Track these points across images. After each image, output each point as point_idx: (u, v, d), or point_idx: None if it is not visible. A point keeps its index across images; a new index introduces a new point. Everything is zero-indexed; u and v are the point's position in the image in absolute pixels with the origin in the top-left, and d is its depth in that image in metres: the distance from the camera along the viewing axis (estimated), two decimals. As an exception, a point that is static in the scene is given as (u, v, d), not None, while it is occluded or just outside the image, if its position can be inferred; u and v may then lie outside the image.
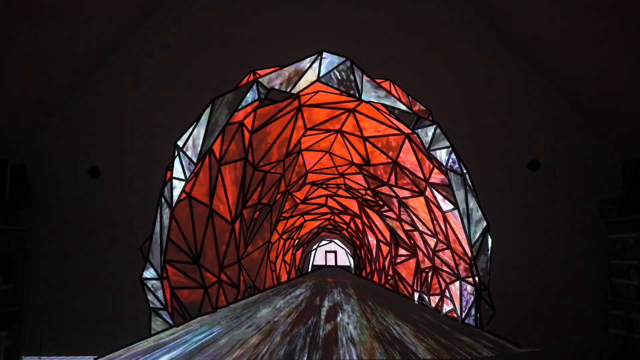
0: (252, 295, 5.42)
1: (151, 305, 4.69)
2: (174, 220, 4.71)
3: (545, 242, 5.36)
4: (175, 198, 4.69)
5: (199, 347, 3.20)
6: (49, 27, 4.72)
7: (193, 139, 4.76)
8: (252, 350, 3.10)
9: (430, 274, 5.46)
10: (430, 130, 4.84)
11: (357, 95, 4.80)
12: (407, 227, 5.62)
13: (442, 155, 4.85)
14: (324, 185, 6.00)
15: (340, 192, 6.05)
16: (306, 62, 4.77)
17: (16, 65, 4.78)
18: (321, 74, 4.75)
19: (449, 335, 3.92)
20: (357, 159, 5.52)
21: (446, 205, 4.95)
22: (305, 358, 2.98)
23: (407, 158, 5.23)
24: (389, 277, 5.90)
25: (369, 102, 4.96)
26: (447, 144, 4.82)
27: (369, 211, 6.03)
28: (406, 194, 5.36)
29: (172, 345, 3.33)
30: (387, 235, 5.93)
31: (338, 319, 4.15)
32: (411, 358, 3.03)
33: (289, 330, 3.70)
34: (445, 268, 5.22)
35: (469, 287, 4.93)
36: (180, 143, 4.77)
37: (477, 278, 4.80)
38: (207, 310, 4.81)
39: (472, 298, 4.87)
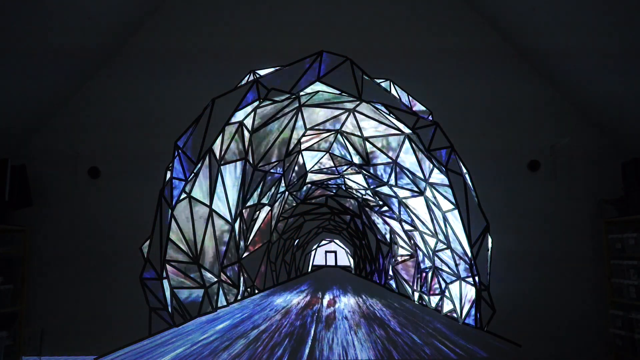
0: (254, 295, 5.46)
1: (151, 305, 4.69)
2: (174, 220, 4.71)
3: (545, 242, 5.36)
4: (175, 198, 4.70)
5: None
6: (49, 27, 4.72)
7: (193, 139, 4.76)
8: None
9: (430, 274, 5.46)
10: (430, 130, 4.85)
11: (357, 95, 4.80)
12: (407, 227, 5.62)
13: (442, 155, 4.86)
14: (324, 185, 6.01)
15: (340, 192, 6.05)
16: (306, 62, 4.78)
17: (16, 65, 4.78)
18: (321, 74, 4.75)
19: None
20: (357, 159, 5.52)
21: (446, 205, 4.95)
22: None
23: (407, 158, 5.23)
24: (389, 277, 5.91)
25: (369, 102, 4.96)
26: (447, 144, 4.83)
27: (369, 211, 6.03)
28: (406, 194, 5.36)
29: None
30: (388, 235, 5.93)
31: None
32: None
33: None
34: (445, 268, 5.22)
35: (469, 287, 4.94)
36: (180, 143, 4.77)
37: (477, 278, 4.80)
38: (207, 310, 4.82)
39: (472, 298, 4.87)
